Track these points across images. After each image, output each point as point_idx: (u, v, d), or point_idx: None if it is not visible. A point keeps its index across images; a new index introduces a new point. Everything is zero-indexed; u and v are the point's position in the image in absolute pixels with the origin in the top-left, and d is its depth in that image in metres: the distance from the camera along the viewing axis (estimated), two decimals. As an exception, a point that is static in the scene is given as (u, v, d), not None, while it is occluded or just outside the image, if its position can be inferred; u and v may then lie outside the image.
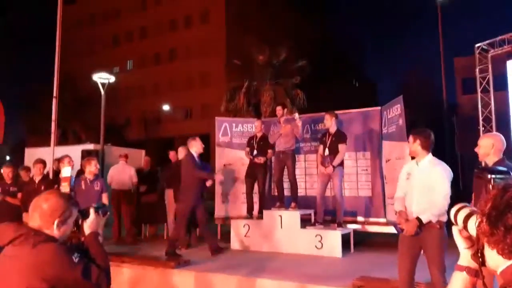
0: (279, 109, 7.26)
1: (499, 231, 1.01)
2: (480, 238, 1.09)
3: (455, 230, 1.27)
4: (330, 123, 6.50)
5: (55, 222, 1.80)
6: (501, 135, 3.30)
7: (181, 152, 7.52)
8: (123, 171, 8.28)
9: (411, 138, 3.48)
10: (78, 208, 1.96)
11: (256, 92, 19.00)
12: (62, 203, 1.86)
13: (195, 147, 6.34)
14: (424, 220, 3.25)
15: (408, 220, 3.33)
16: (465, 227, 1.21)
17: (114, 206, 7.86)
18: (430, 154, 3.44)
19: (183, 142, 7.38)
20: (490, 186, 1.50)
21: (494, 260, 1.06)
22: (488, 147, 3.14)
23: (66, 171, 6.36)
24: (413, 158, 3.59)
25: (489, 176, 1.80)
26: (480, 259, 1.11)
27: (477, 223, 1.10)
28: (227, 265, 5.58)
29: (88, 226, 1.97)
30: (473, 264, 1.18)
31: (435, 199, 3.28)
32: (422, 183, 3.36)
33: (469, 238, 1.22)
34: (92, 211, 2.00)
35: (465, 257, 1.23)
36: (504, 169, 1.92)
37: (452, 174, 3.38)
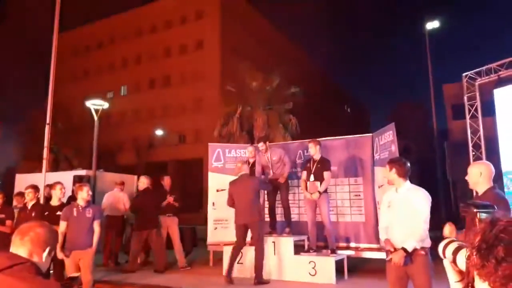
0: (261, 144, 7.30)
1: (490, 263, 1.02)
2: (470, 271, 1.10)
3: (446, 262, 1.29)
4: (314, 150, 6.60)
5: (47, 249, 1.78)
6: (489, 163, 3.36)
7: (142, 181, 7.71)
8: (118, 198, 8.32)
9: (387, 166, 3.56)
10: None
11: (249, 117, 19.14)
12: (53, 235, 1.85)
13: (246, 169, 6.50)
14: (410, 249, 3.28)
15: (394, 251, 3.35)
16: (454, 261, 1.25)
17: (106, 232, 7.81)
18: (408, 181, 3.51)
19: (176, 167, 7.42)
20: (477, 220, 1.53)
21: None
22: (477, 175, 3.19)
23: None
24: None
25: (474, 210, 1.87)
26: None
27: (467, 256, 1.12)
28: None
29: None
30: None
31: (416, 224, 3.32)
32: (403, 211, 3.40)
33: (459, 272, 1.25)
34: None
35: None
36: (488, 203, 1.99)
37: (430, 198, 3.44)
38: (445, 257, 1.28)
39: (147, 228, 7.24)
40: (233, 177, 7.92)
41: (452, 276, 1.27)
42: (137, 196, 7.85)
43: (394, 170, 3.48)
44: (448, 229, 2.80)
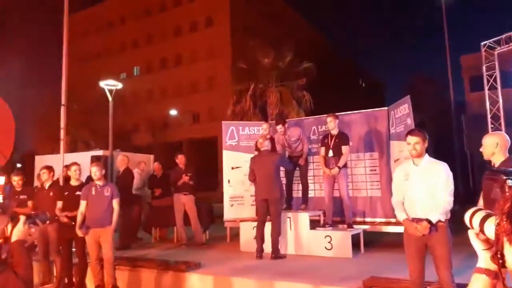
0: (280, 127, 7.21)
1: None
2: (500, 238, 1.10)
3: (471, 233, 1.28)
4: (333, 124, 6.53)
5: None
6: (504, 133, 3.29)
7: (123, 160, 8.20)
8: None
9: (419, 139, 3.41)
10: (11, 215, 1.93)
11: (262, 94, 19.04)
12: None
13: (268, 145, 6.53)
14: (434, 221, 3.26)
15: (417, 223, 3.32)
16: (481, 230, 1.22)
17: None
18: (427, 154, 3.47)
19: (190, 146, 7.49)
20: (506, 187, 1.50)
21: None
22: (493, 146, 3.12)
23: (0, 180, 6.48)
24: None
25: (504, 177, 1.82)
26: (500, 261, 1.12)
27: (496, 223, 1.11)
28: (237, 267, 5.59)
29: (14, 234, 1.92)
30: (493, 266, 1.19)
31: (440, 197, 3.31)
32: (424, 183, 3.36)
33: (486, 240, 1.23)
34: (21, 219, 1.96)
35: (484, 259, 1.23)
36: None
37: (451, 172, 3.40)
38: (472, 226, 1.26)
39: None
40: (248, 155, 7.99)
41: (478, 245, 1.26)
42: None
43: (427, 141, 3.42)
44: None
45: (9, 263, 1.84)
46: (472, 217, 1.27)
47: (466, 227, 1.33)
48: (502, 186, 1.61)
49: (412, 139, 3.45)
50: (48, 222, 2.16)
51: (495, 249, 1.14)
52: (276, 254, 6.08)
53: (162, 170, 8.98)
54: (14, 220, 1.95)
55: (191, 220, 7.74)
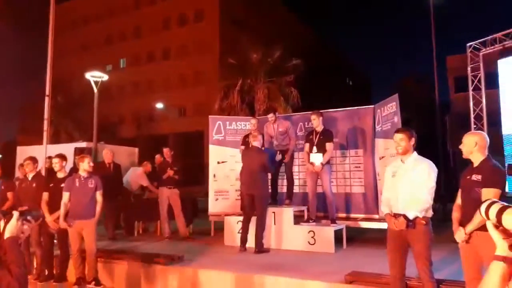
0: (271, 115, 7.28)
1: None
2: None
3: (489, 224, 1.34)
4: (317, 122, 6.59)
5: None
6: (484, 132, 3.36)
7: (108, 154, 8.22)
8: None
9: (405, 136, 3.49)
10: (3, 211, 1.88)
11: (250, 90, 19.01)
12: None
13: (259, 140, 6.60)
14: (411, 217, 3.33)
15: (395, 218, 3.39)
16: (498, 221, 1.29)
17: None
18: (415, 152, 3.54)
19: (176, 140, 7.47)
20: None
21: None
22: (471, 145, 3.18)
23: None
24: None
25: None
26: None
27: (508, 218, 1.18)
28: (220, 261, 5.60)
29: (7, 230, 1.87)
30: (511, 254, 1.26)
31: (419, 194, 3.37)
32: (407, 180, 3.43)
33: (503, 231, 1.29)
34: (14, 215, 1.90)
35: (502, 247, 1.29)
36: None
37: (436, 170, 3.47)
38: (488, 218, 1.33)
39: None
40: (235, 149, 8.00)
41: (496, 235, 1.32)
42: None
43: (413, 139, 3.50)
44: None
45: (2, 261, 1.78)
46: (488, 209, 1.33)
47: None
48: None
49: (397, 136, 3.53)
50: (40, 219, 2.09)
51: None
52: (260, 248, 6.12)
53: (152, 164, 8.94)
54: (7, 216, 1.90)
55: (175, 213, 7.71)
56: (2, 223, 1.88)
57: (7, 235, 1.86)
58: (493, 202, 1.34)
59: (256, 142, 6.47)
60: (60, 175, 5.72)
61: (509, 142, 10.05)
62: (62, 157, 5.84)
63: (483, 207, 1.35)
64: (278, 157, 7.04)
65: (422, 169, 3.42)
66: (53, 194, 5.56)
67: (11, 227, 1.87)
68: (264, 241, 6.27)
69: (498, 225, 1.30)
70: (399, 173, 3.51)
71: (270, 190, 6.94)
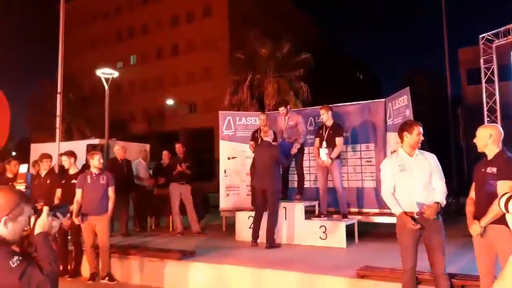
0: (282, 108, 7.24)
1: None
2: None
3: (509, 216, 1.35)
4: (326, 116, 6.56)
5: (3, 220, 1.71)
6: (498, 125, 3.32)
7: (119, 150, 8.18)
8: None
9: (416, 129, 3.44)
10: (33, 206, 1.85)
11: (259, 85, 18.99)
12: (12, 200, 1.75)
13: (271, 136, 6.59)
14: (443, 204, 3.35)
15: (426, 208, 3.29)
16: None
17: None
18: None
19: (187, 136, 7.50)
20: None
21: None
22: (486, 138, 3.14)
23: (23, 168, 6.45)
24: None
25: None
26: None
27: None
28: (232, 256, 5.63)
29: (38, 225, 1.85)
30: None
31: (438, 186, 3.40)
32: (425, 173, 3.40)
33: None
34: (45, 211, 1.89)
35: None
36: None
37: None
38: (508, 211, 1.35)
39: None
40: (245, 145, 8.01)
41: None
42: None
43: (422, 131, 3.46)
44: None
45: (33, 257, 1.76)
46: (508, 202, 1.34)
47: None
48: None
49: (420, 129, 3.47)
50: (68, 215, 2.07)
51: None
52: (271, 243, 6.13)
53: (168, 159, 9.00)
54: (37, 211, 1.87)
55: (187, 209, 7.76)
56: (33, 219, 1.86)
57: (37, 231, 1.85)
58: None
59: (267, 138, 6.46)
60: (71, 171, 5.79)
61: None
62: (71, 154, 5.92)
63: (502, 200, 1.36)
64: (294, 150, 6.86)
65: (433, 162, 3.46)
66: (65, 191, 5.63)
67: (42, 223, 1.86)
68: (275, 236, 6.28)
69: None
70: (410, 168, 3.43)
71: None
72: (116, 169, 7.41)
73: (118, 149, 8.32)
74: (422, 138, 3.46)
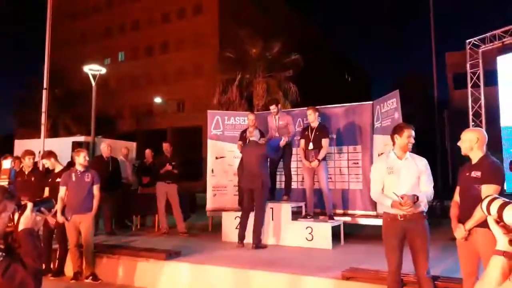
0: (273, 107, 7.24)
1: None
2: None
3: (490, 219, 1.37)
4: (313, 117, 6.59)
5: None
6: (482, 129, 3.37)
7: (105, 148, 8.05)
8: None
9: (413, 132, 3.48)
10: (17, 202, 1.83)
11: (248, 85, 18.95)
12: None
13: (257, 135, 6.58)
14: (422, 201, 3.33)
15: (406, 197, 3.27)
16: (499, 216, 1.32)
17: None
18: None
19: (175, 134, 7.45)
20: None
21: None
22: (472, 141, 3.17)
23: (6, 163, 6.35)
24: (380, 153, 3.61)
25: None
26: None
27: (508, 214, 1.22)
28: (218, 256, 5.60)
29: (22, 222, 1.82)
30: (510, 249, 1.30)
31: (425, 188, 3.43)
32: (412, 176, 3.44)
33: (504, 226, 1.33)
34: (29, 206, 1.86)
35: (502, 242, 1.33)
36: None
37: None
38: (489, 214, 1.35)
39: None
40: (233, 145, 7.98)
41: (497, 230, 1.35)
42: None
43: (413, 135, 3.48)
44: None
45: (17, 253, 1.73)
46: (490, 205, 1.36)
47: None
48: None
49: (412, 132, 3.49)
50: (53, 210, 2.04)
51: None
52: (258, 243, 6.12)
53: (152, 158, 8.91)
54: (21, 207, 1.85)
55: (173, 208, 7.71)
56: (17, 215, 1.84)
57: (21, 227, 1.82)
58: (495, 198, 1.37)
59: (253, 138, 6.46)
60: (57, 169, 5.70)
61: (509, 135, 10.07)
62: (48, 154, 5.82)
63: (484, 203, 1.38)
64: (283, 143, 6.69)
65: (423, 165, 3.47)
66: (51, 189, 5.55)
67: (26, 219, 1.83)
68: (262, 237, 6.27)
69: (499, 220, 1.33)
70: (399, 170, 3.46)
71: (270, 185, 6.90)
72: (100, 167, 7.32)
73: (104, 146, 8.23)
74: (412, 141, 3.48)
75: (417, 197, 3.27)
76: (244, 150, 6.77)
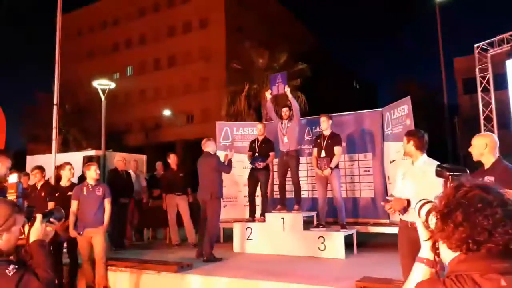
0: (286, 109, 7.21)
1: (449, 228, 1.11)
2: (436, 232, 1.20)
3: (418, 222, 1.35)
4: (326, 125, 6.54)
5: None
6: (493, 134, 3.32)
7: (120, 162, 8.03)
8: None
9: (405, 139, 3.50)
10: (26, 214, 1.86)
11: (256, 95, 19.04)
12: (4, 211, 1.77)
13: (211, 146, 6.45)
14: (412, 205, 3.23)
15: (395, 200, 3.31)
16: (426, 220, 1.31)
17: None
18: (425, 155, 3.47)
19: (184, 147, 7.46)
20: (449, 183, 1.62)
21: (445, 252, 1.17)
22: (482, 147, 3.14)
23: (12, 178, 6.40)
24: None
25: (447, 174, 1.91)
26: (437, 251, 1.22)
27: (433, 219, 1.21)
28: (230, 268, 5.56)
29: (32, 233, 1.85)
30: (432, 256, 1.27)
31: (431, 197, 3.31)
32: (417, 183, 3.37)
33: (431, 231, 1.30)
34: (38, 218, 1.89)
35: (426, 249, 1.30)
36: (461, 167, 1.98)
37: None
38: (420, 216, 1.34)
39: None
40: (242, 155, 7.96)
41: (423, 235, 1.32)
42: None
43: (412, 142, 3.44)
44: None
45: (28, 265, 1.76)
46: (421, 208, 1.35)
47: None
48: (445, 182, 1.70)
49: (404, 139, 3.52)
50: (63, 220, 2.07)
51: (433, 240, 1.24)
52: (208, 257, 5.94)
53: (163, 171, 8.93)
54: (31, 219, 1.88)
55: (184, 220, 7.70)
56: (27, 227, 1.86)
57: (32, 238, 1.85)
58: (427, 202, 1.35)
59: (207, 149, 6.39)
60: (65, 183, 5.73)
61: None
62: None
63: (417, 205, 1.37)
64: (226, 156, 6.56)
65: (430, 172, 3.38)
66: (58, 203, 5.56)
67: (36, 231, 1.86)
68: (273, 247, 6.21)
69: (427, 225, 1.30)
70: (408, 176, 3.45)
71: (277, 196, 6.84)
72: (118, 179, 7.38)
73: (119, 160, 8.21)
74: (406, 148, 3.46)
75: (408, 202, 3.21)
76: (198, 162, 6.48)
